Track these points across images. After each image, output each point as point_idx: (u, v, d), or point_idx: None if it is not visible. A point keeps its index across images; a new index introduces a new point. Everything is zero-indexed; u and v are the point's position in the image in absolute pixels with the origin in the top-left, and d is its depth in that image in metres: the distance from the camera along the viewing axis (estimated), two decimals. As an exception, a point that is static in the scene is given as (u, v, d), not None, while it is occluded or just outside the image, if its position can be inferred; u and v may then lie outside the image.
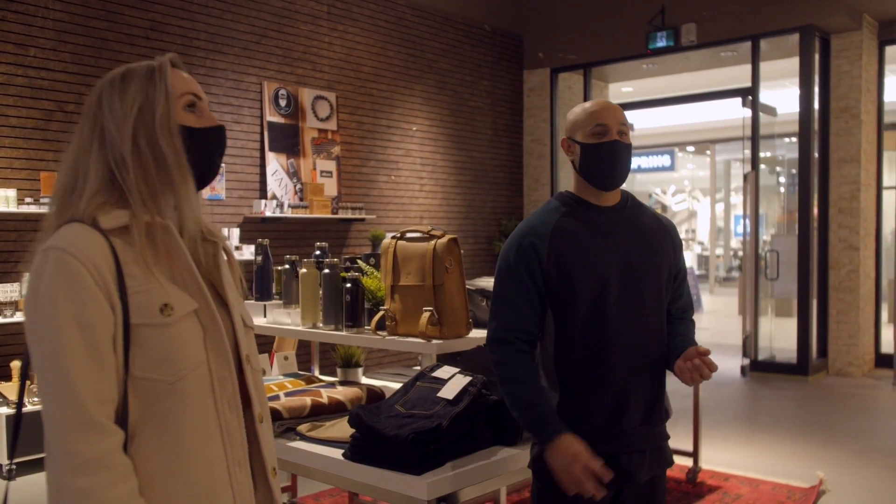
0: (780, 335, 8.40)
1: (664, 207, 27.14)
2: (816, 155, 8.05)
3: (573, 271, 1.97)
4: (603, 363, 1.98)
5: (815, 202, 8.06)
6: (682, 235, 26.29)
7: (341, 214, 7.17)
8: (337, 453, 2.29)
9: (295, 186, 6.96)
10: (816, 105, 7.98)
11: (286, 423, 2.51)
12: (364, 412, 2.28)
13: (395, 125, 7.95)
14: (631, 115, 10.68)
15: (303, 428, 2.50)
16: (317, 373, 3.71)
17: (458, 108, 8.64)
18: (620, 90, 11.69)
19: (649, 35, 8.37)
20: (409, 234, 2.76)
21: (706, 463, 4.84)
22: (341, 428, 2.45)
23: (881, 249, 8.47)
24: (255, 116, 6.72)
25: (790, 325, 8.09)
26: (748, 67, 8.14)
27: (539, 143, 9.40)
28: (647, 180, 24.78)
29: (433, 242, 2.64)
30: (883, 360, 8.20)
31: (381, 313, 2.77)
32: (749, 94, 8.14)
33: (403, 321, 2.73)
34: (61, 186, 1.31)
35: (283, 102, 6.91)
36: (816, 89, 7.96)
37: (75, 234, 1.23)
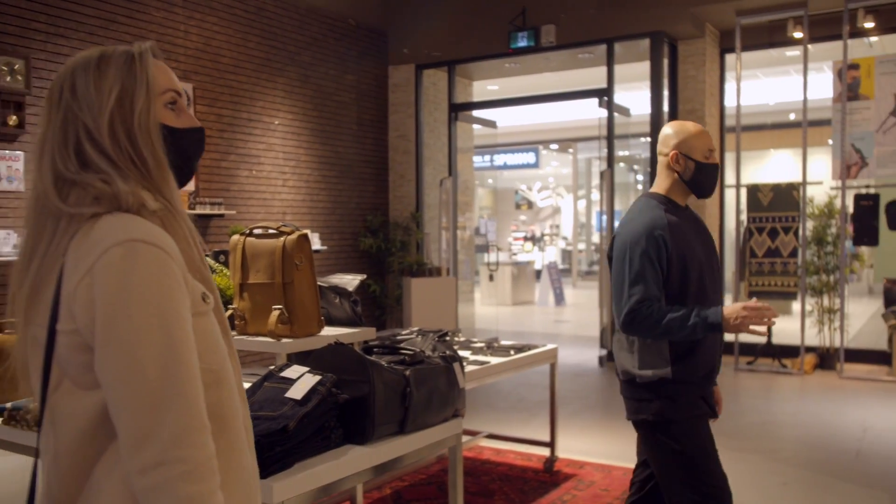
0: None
1: (530, 203, 27.94)
2: (666, 154, 8.47)
3: (687, 257, 2.56)
4: None
5: (665, 199, 8.49)
6: (546, 231, 27.20)
7: (199, 210, 6.91)
8: (178, 460, 2.19)
9: (148, 180, 6.64)
10: (666, 107, 8.42)
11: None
12: (207, 416, 2.19)
13: (256, 118, 7.74)
14: (495, 113, 10.92)
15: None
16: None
17: (322, 103, 8.52)
18: (486, 88, 11.91)
19: (511, 35, 8.55)
20: (257, 231, 2.68)
21: (563, 452, 5.00)
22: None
23: (725, 245, 9.06)
24: (104, 106, 6.35)
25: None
26: (604, 69, 8.48)
27: (404, 138, 9.41)
28: (513, 177, 25.38)
29: (282, 239, 2.57)
30: (726, 348, 8.76)
31: (229, 312, 2.68)
32: (604, 95, 8.48)
33: (253, 320, 2.65)
34: (53, 176, 1.19)
35: (134, 92, 6.57)
36: (666, 92, 8.40)
37: (148, 226, 1.16)
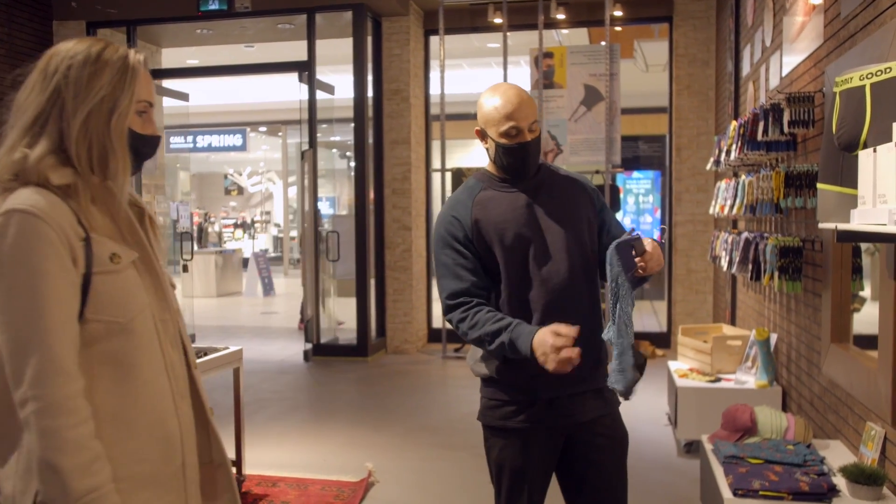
0: (343, 317, 8.37)
1: (240, 188, 26.60)
2: (371, 138, 8.12)
3: (493, 238, 2.16)
4: (531, 316, 2.14)
5: (372, 183, 8.15)
6: (258, 217, 26.13)
7: None
8: None
9: None
10: (371, 87, 8.03)
11: None
12: None
13: None
14: (189, 84, 9.86)
15: None
16: None
17: (-39, 59, 6.96)
18: (185, 61, 10.76)
19: (201, -4, 7.63)
20: None
21: (255, 467, 4.37)
22: None
23: (431, 229, 8.93)
24: None
25: (353, 307, 8.07)
26: (307, 44, 7.88)
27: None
28: (221, 160, 23.92)
29: None
30: (434, 335, 8.64)
31: None
32: (306, 69, 7.89)
33: None
34: (10, 144, 1.40)
35: None
36: (370, 73, 8.02)
37: (36, 196, 1.33)
